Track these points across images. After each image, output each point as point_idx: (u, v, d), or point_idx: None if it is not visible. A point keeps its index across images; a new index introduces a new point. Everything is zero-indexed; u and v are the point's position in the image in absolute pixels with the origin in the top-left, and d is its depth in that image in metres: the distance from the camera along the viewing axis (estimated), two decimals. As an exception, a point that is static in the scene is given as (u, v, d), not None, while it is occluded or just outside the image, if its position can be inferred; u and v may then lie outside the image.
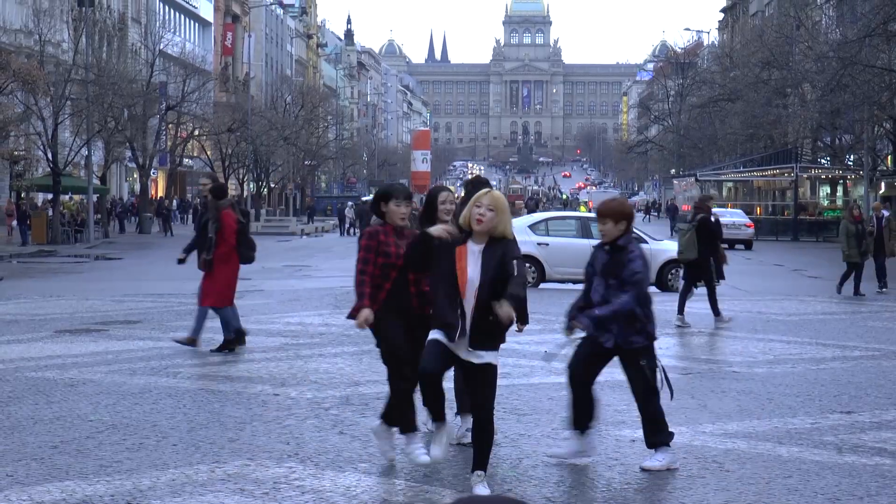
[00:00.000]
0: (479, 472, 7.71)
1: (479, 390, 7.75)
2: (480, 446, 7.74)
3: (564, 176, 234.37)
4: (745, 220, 51.48)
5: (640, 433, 8.87)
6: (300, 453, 8.83)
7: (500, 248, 7.66)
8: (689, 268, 18.88)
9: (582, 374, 8.80)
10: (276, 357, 13.86)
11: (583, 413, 8.82)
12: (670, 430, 8.73)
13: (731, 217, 50.06)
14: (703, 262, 18.56)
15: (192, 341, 14.48)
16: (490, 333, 7.64)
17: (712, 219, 18.94)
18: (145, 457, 8.72)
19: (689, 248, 18.64)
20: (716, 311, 18.41)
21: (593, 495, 7.89)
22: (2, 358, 13.80)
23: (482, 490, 7.58)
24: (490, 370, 7.68)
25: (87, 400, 11.04)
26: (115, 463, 8.51)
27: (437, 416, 7.96)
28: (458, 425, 9.25)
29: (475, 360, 7.65)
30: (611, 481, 8.23)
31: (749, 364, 13.86)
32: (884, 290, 25.20)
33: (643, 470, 8.46)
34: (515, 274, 7.60)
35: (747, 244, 48.05)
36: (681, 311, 18.08)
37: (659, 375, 8.69)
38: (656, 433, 8.68)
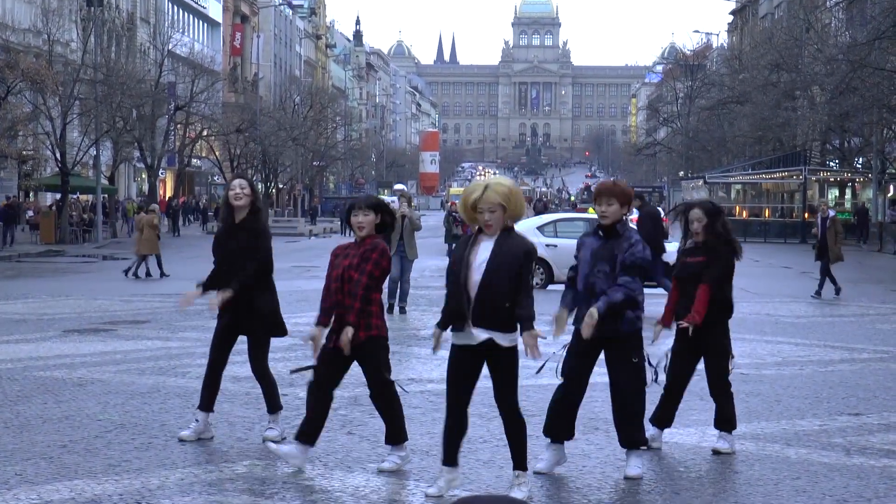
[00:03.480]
0: (519, 472, 7.55)
1: (496, 379, 7.55)
2: (512, 443, 7.60)
3: (587, 176, 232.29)
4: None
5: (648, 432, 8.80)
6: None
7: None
8: None
9: (577, 374, 8.40)
10: (285, 357, 13.86)
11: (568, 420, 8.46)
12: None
13: None
14: None
15: None
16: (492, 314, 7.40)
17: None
18: (154, 456, 8.74)
19: None
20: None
21: (600, 497, 7.88)
22: (10, 357, 13.84)
23: (516, 493, 7.41)
24: (504, 355, 7.51)
25: (95, 399, 11.06)
26: (124, 462, 8.53)
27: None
28: (270, 424, 9.45)
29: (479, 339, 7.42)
30: (618, 483, 8.23)
31: (757, 366, 13.85)
32: (819, 296, 24.04)
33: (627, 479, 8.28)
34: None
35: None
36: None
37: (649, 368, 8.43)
38: (638, 430, 8.33)
